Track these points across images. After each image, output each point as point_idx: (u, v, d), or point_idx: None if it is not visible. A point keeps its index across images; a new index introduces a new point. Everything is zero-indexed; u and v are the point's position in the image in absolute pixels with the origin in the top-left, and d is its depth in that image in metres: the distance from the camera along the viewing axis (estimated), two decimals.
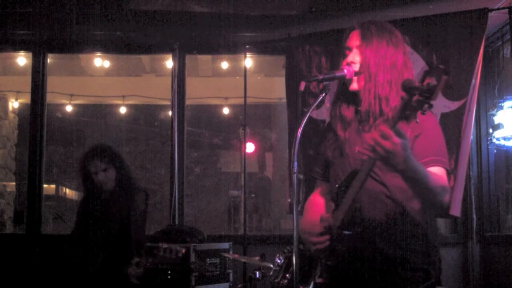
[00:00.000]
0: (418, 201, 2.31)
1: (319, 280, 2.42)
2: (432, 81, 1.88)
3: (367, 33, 2.35)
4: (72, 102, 7.69)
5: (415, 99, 1.89)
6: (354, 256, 2.30)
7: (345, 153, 2.40)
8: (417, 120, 1.92)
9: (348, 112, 2.41)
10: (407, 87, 1.91)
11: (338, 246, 2.31)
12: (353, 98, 2.41)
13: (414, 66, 3.88)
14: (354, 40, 2.38)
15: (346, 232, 2.26)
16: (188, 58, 5.30)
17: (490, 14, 4.02)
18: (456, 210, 3.84)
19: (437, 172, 2.24)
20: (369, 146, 2.01)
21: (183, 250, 3.83)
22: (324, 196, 2.60)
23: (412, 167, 2.07)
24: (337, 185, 2.33)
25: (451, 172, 2.42)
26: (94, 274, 3.71)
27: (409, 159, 2.04)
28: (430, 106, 1.89)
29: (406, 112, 1.91)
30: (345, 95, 2.43)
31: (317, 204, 2.58)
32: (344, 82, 2.39)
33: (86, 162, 3.92)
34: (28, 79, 5.24)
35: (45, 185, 5.38)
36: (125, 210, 3.84)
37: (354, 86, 2.35)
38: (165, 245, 3.77)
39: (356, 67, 2.33)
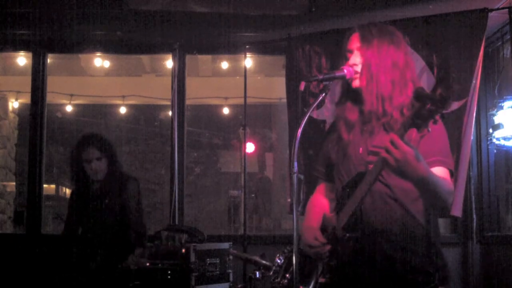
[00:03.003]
0: (421, 202, 2.31)
1: (321, 280, 2.42)
2: (444, 90, 1.84)
3: (367, 34, 2.36)
4: (72, 102, 7.69)
5: (427, 108, 1.86)
6: (356, 257, 2.30)
7: (349, 154, 2.40)
8: (429, 129, 1.90)
9: (352, 113, 2.41)
10: (420, 95, 1.88)
11: (340, 247, 2.32)
12: (356, 99, 2.40)
13: (415, 66, 3.85)
14: (355, 42, 2.39)
15: (348, 234, 2.26)
16: (188, 58, 5.29)
17: (490, 14, 4.02)
18: (457, 211, 3.83)
19: (441, 172, 2.24)
20: (379, 154, 2.02)
21: (183, 250, 3.83)
22: (327, 196, 2.60)
23: (425, 177, 2.07)
24: (342, 186, 2.34)
25: (454, 174, 2.41)
26: (94, 270, 3.70)
27: (421, 169, 2.04)
28: (443, 116, 1.87)
29: (418, 120, 1.90)
30: (349, 96, 2.43)
31: (319, 204, 2.58)
32: (348, 82, 2.39)
33: (79, 150, 3.86)
34: (28, 79, 5.23)
35: (45, 185, 5.38)
36: (119, 200, 3.82)
37: (356, 83, 2.35)
38: (166, 233, 3.77)
39: (358, 68, 2.34)
